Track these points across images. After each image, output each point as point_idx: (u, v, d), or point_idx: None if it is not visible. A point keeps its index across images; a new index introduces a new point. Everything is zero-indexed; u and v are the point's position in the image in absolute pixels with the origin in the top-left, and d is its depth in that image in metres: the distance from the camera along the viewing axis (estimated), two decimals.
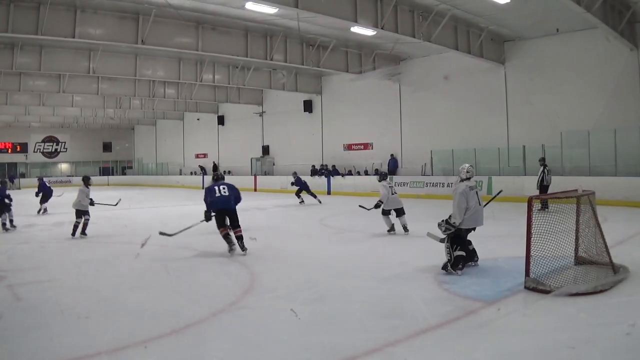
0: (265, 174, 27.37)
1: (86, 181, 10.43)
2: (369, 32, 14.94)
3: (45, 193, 15.21)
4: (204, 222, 7.92)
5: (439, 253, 6.48)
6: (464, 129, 19.03)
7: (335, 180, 22.30)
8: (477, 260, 6.49)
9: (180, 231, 8.40)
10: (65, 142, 40.58)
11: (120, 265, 7.22)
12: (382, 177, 9.96)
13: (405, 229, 9.30)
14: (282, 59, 17.97)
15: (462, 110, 19.27)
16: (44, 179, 16.32)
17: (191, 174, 32.65)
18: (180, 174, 33.88)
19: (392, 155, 21.66)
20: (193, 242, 8.79)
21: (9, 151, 38.49)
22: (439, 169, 19.35)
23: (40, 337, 4.25)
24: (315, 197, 17.01)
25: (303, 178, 18.04)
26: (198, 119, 33.02)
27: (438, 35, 15.07)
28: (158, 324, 4.53)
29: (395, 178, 19.14)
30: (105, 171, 39.95)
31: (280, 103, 27.12)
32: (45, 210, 15.00)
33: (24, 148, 38.91)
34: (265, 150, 28.39)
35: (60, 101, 27.07)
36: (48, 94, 24.68)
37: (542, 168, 13.07)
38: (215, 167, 30.97)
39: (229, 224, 7.72)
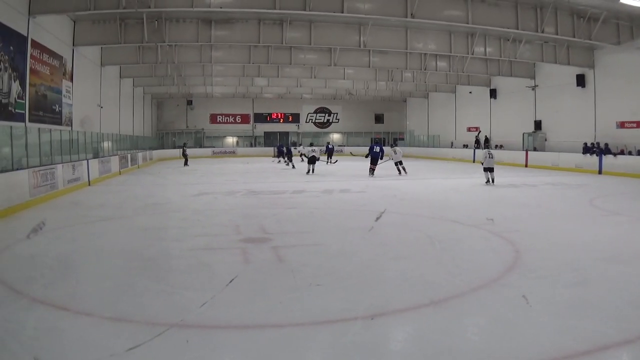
0: (535, 149, 25.34)
1: None
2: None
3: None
4: None
5: None
6: None
7: (607, 160, 19.44)
8: None
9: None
10: (337, 113, 43.03)
11: (386, 234, 7.45)
12: None
13: None
14: (552, 32, 16.45)
15: None
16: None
17: (463, 147, 32.44)
18: (452, 147, 33.96)
19: None
20: (461, 216, 8.90)
21: (281, 121, 41.85)
22: None
23: (299, 298, 4.45)
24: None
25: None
26: (470, 92, 32.24)
27: None
28: (416, 294, 4.62)
29: None
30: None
31: (553, 77, 24.54)
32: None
33: (295, 118, 42.11)
34: (537, 125, 26.11)
35: (331, 74, 28.71)
36: (319, 67, 26.37)
37: None
38: (486, 140, 30.19)
39: None
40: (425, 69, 24.94)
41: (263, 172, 21.32)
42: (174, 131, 39.99)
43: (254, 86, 34.52)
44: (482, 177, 15.59)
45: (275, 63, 23.53)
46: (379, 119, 43.75)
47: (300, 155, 29.82)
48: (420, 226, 8.12)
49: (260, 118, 41.95)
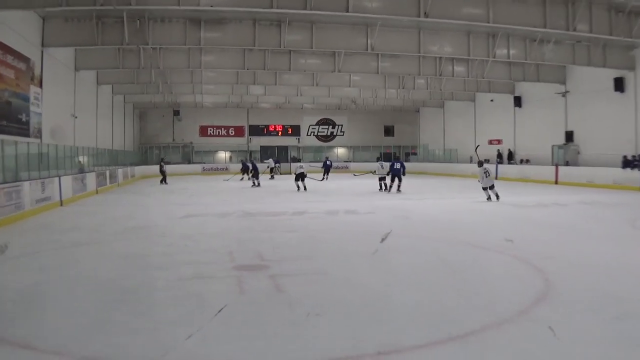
0: (567, 164, 25.27)
1: None
2: None
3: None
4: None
5: None
6: None
7: None
8: None
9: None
10: (342, 125, 43.46)
11: (396, 260, 7.50)
12: None
13: None
14: (586, 29, 16.56)
15: None
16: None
17: (483, 162, 32.27)
18: (471, 162, 33.94)
19: None
20: (481, 239, 8.86)
21: (279, 133, 42.03)
22: None
23: (300, 335, 4.38)
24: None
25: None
26: (491, 100, 32.44)
27: None
28: (432, 328, 4.56)
29: None
30: (386, 157, 42.04)
31: (586, 81, 24.58)
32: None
33: (295, 131, 42.39)
34: (569, 136, 26.09)
35: (335, 81, 28.90)
36: (322, 73, 26.65)
37: None
38: (510, 154, 30.22)
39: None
40: (440, 75, 25.10)
41: (256, 191, 21.33)
42: (159, 145, 40.30)
43: (249, 95, 34.88)
44: (507, 197, 15.57)
45: (273, 69, 23.69)
46: (388, 131, 44.12)
47: (271, 171, 30.13)
48: (436, 251, 8.08)
49: (256, 130, 42.33)
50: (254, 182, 23.69)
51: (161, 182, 25.87)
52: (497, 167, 28.58)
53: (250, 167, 25.64)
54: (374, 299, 5.51)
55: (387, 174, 19.39)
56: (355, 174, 29.42)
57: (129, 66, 22.40)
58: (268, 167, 30.83)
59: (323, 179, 26.60)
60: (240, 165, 30.04)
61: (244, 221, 11.97)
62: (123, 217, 12.78)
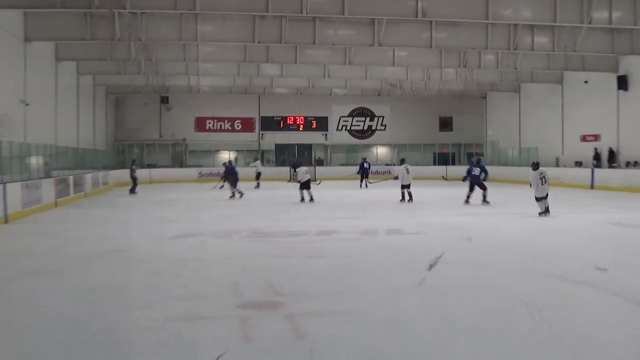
0: None
1: None
2: None
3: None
4: None
5: None
6: None
7: None
8: None
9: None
10: (382, 117, 43.54)
11: (454, 296, 7.46)
12: None
13: None
14: None
15: None
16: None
17: (576, 164, 32.02)
18: (557, 165, 33.56)
19: None
20: (570, 270, 8.81)
21: (301, 128, 42.17)
22: None
23: None
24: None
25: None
26: (586, 82, 32.08)
27: None
28: None
29: None
30: (442, 159, 41.39)
31: None
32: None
33: (322, 124, 42.61)
34: None
35: (374, 58, 28.57)
36: (356, 48, 26.55)
37: None
38: (611, 154, 29.73)
39: None
40: (515, 49, 24.90)
41: (269, 204, 21.41)
42: (142, 142, 40.84)
43: (260, 77, 34.90)
44: (605, 212, 15.31)
45: (292, 42, 23.77)
46: (445, 124, 44.10)
47: (257, 177, 30.28)
48: (508, 285, 8.02)
49: (270, 124, 42.68)
50: (232, 193, 23.59)
51: (131, 191, 26.13)
52: (593, 172, 28.13)
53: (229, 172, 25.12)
54: (425, 351, 5.48)
55: (464, 180, 19.92)
56: (371, 181, 29.28)
57: (101, 37, 22.50)
58: (254, 168, 31.53)
59: (361, 186, 27.81)
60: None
61: (253, 243, 12.02)
62: (93, 237, 12.91)
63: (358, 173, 29.41)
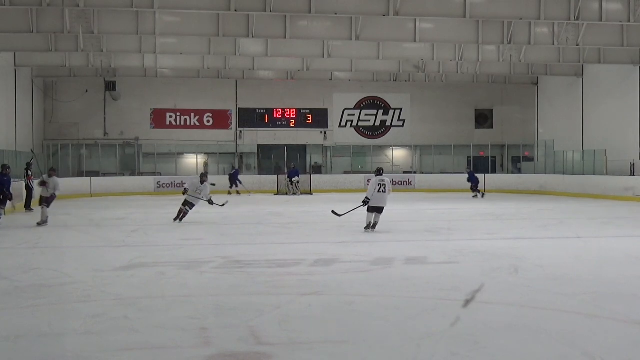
0: None
1: None
2: None
3: None
4: None
5: None
6: None
7: None
8: None
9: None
10: (400, 110, 43.95)
11: (490, 345, 7.42)
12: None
13: None
14: None
15: None
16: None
17: None
18: (633, 174, 33.56)
19: None
20: None
21: (292, 123, 42.74)
22: None
23: None
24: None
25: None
26: None
27: None
28: None
29: None
30: (480, 163, 41.22)
31: None
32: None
33: (320, 119, 43.22)
34: None
35: (389, 32, 28.61)
36: (365, 18, 26.59)
37: None
38: None
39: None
40: (577, 19, 24.82)
41: (247, 224, 21.36)
42: (81, 142, 40.78)
43: (238, 56, 34.68)
44: None
45: (280, 11, 24.19)
46: (483, 119, 44.53)
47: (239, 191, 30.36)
48: (567, 331, 8.00)
49: (251, 118, 43.13)
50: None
51: (26, 207, 26.65)
52: None
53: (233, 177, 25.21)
54: None
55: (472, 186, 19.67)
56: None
57: (20, 2, 22.67)
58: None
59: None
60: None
61: (228, 276, 12.00)
62: (9, 268, 12.86)
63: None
